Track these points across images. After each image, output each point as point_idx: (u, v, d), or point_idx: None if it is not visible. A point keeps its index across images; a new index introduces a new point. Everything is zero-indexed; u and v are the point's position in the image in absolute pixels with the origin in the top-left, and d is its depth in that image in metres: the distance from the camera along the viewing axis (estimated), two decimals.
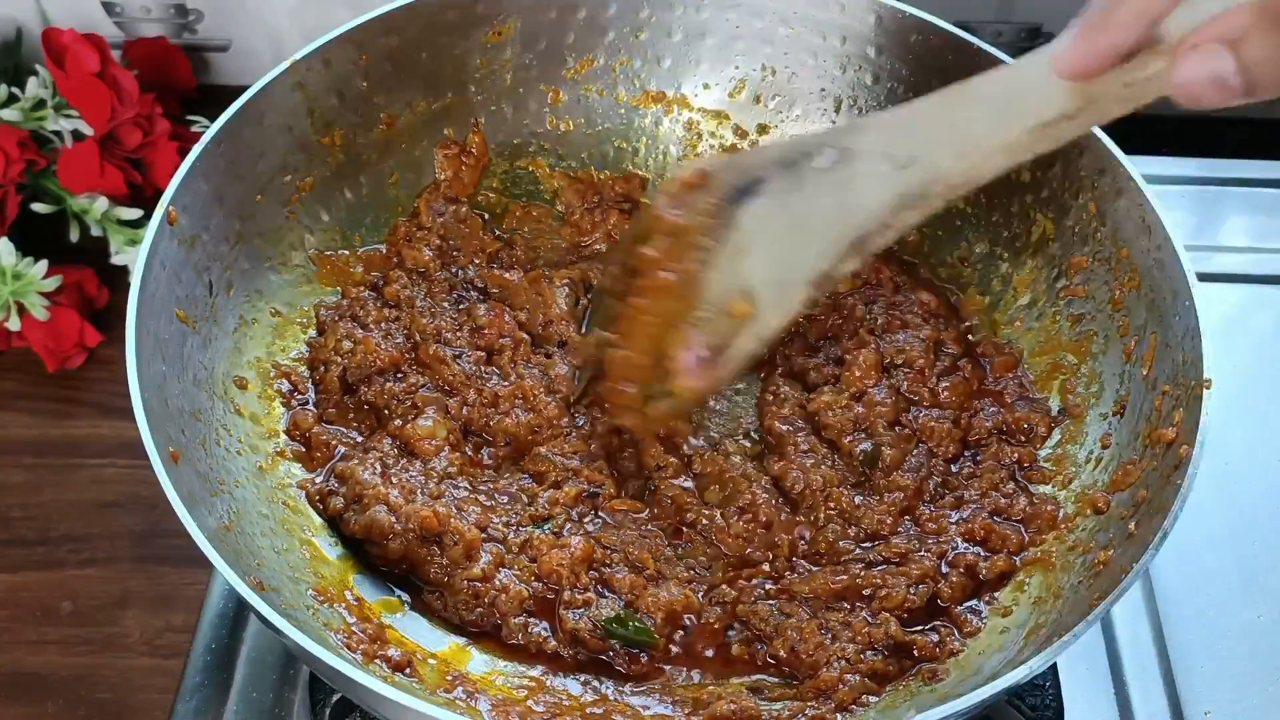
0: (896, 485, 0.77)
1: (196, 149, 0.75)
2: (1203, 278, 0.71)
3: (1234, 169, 1.03)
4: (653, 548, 0.75)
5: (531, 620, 0.71)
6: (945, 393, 0.81)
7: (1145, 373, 0.74)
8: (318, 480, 0.76)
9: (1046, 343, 0.82)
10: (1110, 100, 0.61)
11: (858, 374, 0.81)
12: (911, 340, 0.83)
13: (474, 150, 0.90)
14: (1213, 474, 0.83)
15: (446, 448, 0.78)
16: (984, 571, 0.73)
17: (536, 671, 0.70)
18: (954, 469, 0.79)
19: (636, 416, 0.77)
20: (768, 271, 0.70)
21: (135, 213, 0.96)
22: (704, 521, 0.76)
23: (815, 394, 0.81)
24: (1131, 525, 0.67)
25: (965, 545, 0.75)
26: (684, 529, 0.77)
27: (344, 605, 0.70)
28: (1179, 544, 0.80)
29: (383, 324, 0.84)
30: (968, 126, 0.66)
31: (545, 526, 0.75)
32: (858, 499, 0.77)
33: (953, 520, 0.76)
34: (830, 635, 0.70)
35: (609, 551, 0.74)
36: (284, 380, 0.80)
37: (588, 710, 0.68)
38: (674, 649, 0.72)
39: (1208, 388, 0.67)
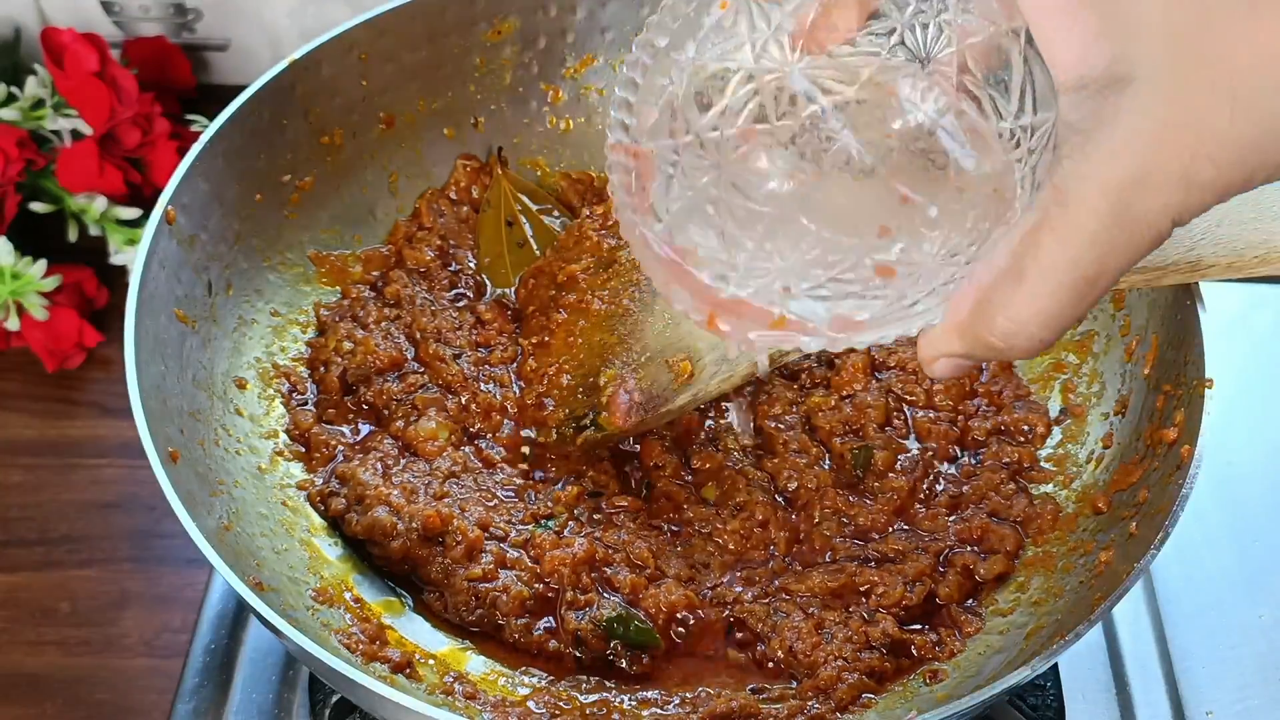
0: (890, 486, 0.77)
1: (195, 148, 0.75)
2: None
3: None
4: (653, 547, 0.75)
5: (532, 621, 0.71)
6: (939, 394, 0.81)
7: (1146, 372, 0.74)
8: (319, 482, 0.76)
9: None
10: None
11: (846, 377, 0.81)
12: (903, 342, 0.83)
13: (491, 170, 0.91)
14: (1214, 474, 0.83)
15: (449, 448, 0.78)
16: (981, 572, 0.73)
17: (536, 672, 0.70)
18: (953, 470, 0.79)
19: (547, 434, 0.79)
20: (714, 340, 0.72)
21: (134, 212, 0.96)
22: (701, 519, 0.76)
23: (807, 394, 0.81)
24: (1133, 525, 0.66)
25: (962, 545, 0.75)
26: (683, 527, 0.77)
27: (343, 606, 0.70)
28: (1181, 544, 0.81)
29: (383, 324, 0.83)
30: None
31: (549, 524, 0.75)
32: (852, 498, 0.77)
33: (950, 520, 0.76)
34: (829, 634, 0.70)
35: (610, 552, 0.74)
36: (283, 380, 0.80)
37: (587, 711, 0.68)
38: (675, 649, 0.71)
39: (1209, 387, 0.67)
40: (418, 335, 0.83)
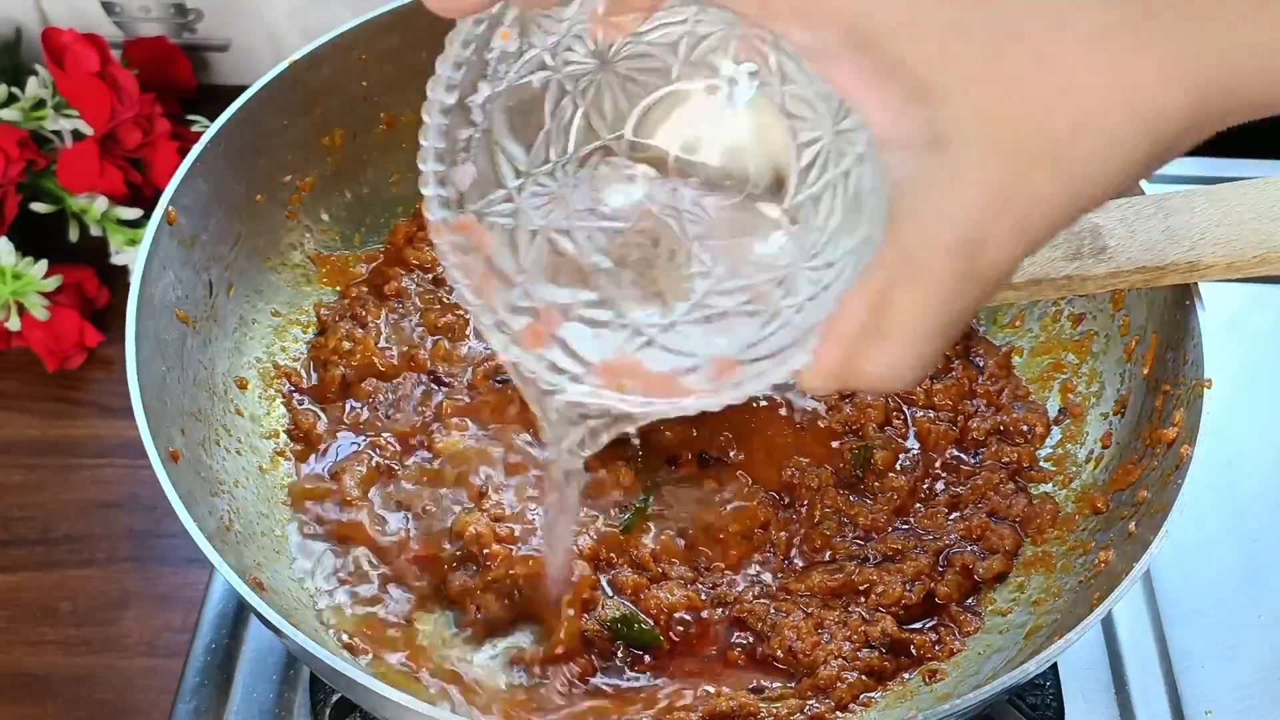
0: (890, 486, 0.77)
1: (196, 149, 0.75)
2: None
3: (1236, 168, 1.03)
4: (655, 548, 0.74)
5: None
6: (939, 394, 0.81)
7: (1146, 372, 0.74)
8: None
9: (1047, 342, 0.82)
10: (1051, 288, 0.68)
11: None
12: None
13: None
14: (1214, 474, 0.83)
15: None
16: (980, 571, 0.73)
17: (539, 671, 0.70)
18: (952, 469, 0.79)
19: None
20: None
21: (135, 212, 0.96)
22: (702, 520, 0.76)
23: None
24: (1132, 525, 0.67)
25: (961, 544, 0.75)
26: (685, 528, 0.76)
27: None
28: (1180, 544, 0.81)
29: (383, 324, 0.84)
30: None
31: None
32: (852, 498, 0.77)
33: (950, 519, 0.76)
34: (827, 634, 0.70)
35: (613, 553, 0.74)
36: (284, 380, 0.80)
37: (589, 710, 0.68)
38: (675, 649, 0.71)
39: (1208, 387, 0.67)
40: (419, 334, 0.83)
